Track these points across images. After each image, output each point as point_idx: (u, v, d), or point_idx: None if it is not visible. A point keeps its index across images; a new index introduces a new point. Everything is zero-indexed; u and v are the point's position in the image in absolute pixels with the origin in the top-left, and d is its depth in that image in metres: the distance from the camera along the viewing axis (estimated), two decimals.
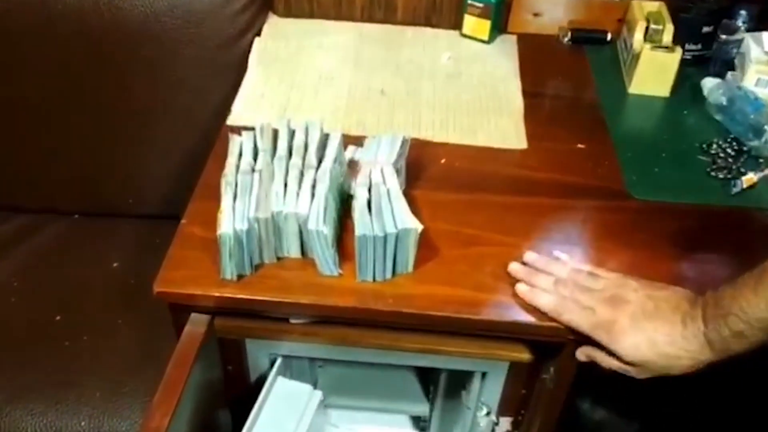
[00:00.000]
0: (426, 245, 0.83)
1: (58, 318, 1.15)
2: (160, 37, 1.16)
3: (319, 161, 0.83)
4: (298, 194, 0.79)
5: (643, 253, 0.84)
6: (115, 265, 1.24)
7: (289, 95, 1.08)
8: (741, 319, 0.65)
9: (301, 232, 0.79)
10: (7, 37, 1.17)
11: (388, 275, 0.80)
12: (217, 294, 0.78)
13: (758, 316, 0.63)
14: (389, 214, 0.76)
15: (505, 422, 0.99)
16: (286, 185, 0.80)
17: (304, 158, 0.83)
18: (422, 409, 1.18)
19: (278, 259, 0.82)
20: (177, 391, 0.73)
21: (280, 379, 0.94)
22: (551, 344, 0.82)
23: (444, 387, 1.12)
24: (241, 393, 0.96)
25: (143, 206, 1.32)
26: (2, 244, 1.27)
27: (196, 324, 0.80)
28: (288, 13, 1.26)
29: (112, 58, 1.18)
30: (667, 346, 0.70)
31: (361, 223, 0.75)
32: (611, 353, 0.73)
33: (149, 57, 1.18)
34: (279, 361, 0.95)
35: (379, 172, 0.82)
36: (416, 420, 1.29)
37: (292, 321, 0.90)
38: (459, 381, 1.05)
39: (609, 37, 1.20)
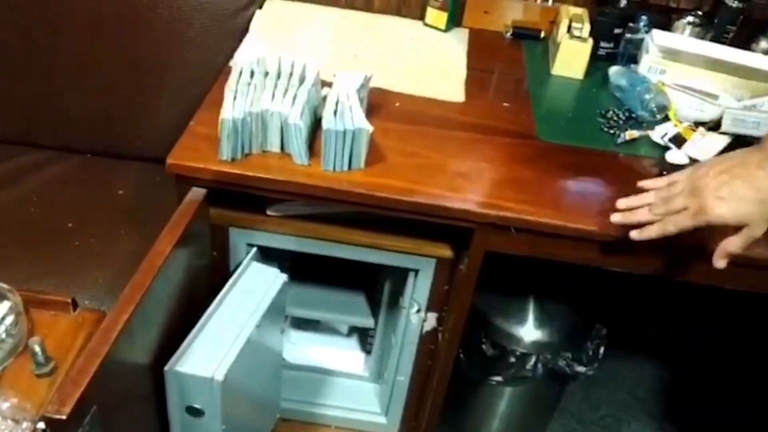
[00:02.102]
0: (376, 153, 1.09)
1: (70, 225, 1.37)
2: (177, 3, 1.42)
3: (300, 84, 1.09)
4: (282, 101, 1.04)
5: (541, 173, 1.10)
6: (120, 192, 1.47)
7: (281, 52, 1.33)
8: None
9: (282, 130, 1.04)
10: None
11: (345, 168, 1.04)
12: (214, 168, 1.02)
13: None
14: (349, 118, 1.02)
15: (432, 318, 1.23)
16: (274, 95, 1.05)
17: (289, 80, 1.09)
18: (369, 322, 1.40)
19: (263, 151, 1.06)
20: (178, 232, 0.96)
21: (254, 263, 1.17)
22: (466, 239, 1.07)
23: (386, 301, 1.35)
24: (220, 281, 1.18)
25: (148, 150, 1.53)
26: (23, 171, 1.50)
27: (196, 194, 1.04)
28: None
29: (135, 17, 1.43)
30: (756, 193, 0.80)
31: (328, 121, 1.01)
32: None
33: (167, 19, 1.43)
34: (254, 250, 1.19)
35: (346, 94, 1.07)
36: (363, 342, 1.52)
37: (269, 212, 1.15)
38: (398, 290, 1.29)
39: (542, 35, 1.49)
